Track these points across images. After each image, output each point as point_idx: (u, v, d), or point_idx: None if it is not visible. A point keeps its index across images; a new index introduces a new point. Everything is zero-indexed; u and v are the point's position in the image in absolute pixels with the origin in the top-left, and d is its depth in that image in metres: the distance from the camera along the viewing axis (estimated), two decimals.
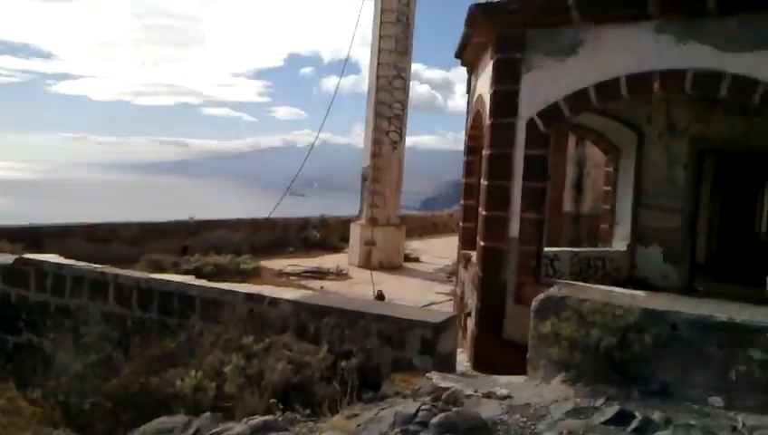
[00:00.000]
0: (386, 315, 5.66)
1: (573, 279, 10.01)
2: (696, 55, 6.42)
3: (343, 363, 5.08)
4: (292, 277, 12.34)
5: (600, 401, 4.58)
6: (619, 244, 10.81)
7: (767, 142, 9.78)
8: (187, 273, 9.46)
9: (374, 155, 14.02)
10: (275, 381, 4.93)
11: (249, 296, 6.18)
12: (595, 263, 10.46)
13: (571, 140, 13.86)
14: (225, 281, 7.98)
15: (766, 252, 11.95)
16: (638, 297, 5.57)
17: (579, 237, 13.93)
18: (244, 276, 10.80)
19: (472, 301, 7.98)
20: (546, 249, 10.40)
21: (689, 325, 4.91)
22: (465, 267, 9.14)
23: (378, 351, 5.62)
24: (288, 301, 5.94)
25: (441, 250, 16.59)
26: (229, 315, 6.08)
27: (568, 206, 14.38)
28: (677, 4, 6.39)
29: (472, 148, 9.73)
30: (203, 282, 6.91)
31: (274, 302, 5.98)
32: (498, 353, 6.87)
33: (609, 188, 11.11)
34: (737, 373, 4.61)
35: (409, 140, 15.20)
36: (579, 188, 14.24)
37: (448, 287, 11.92)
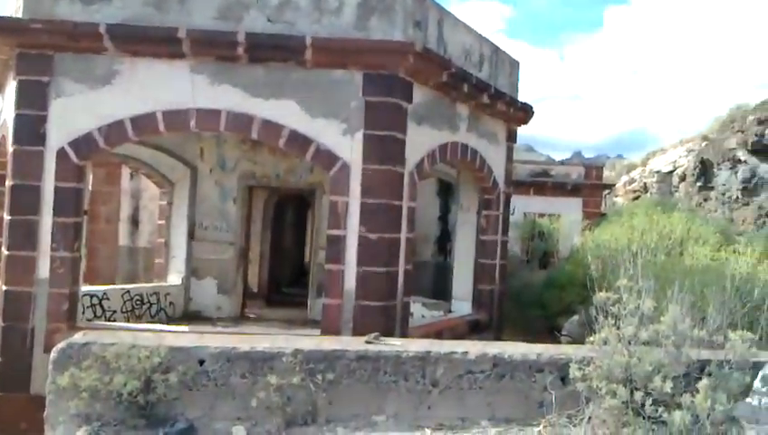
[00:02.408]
0: None
1: (126, 318, 9.60)
2: (229, 98, 6.79)
3: None
4: None
5: None
6: (175, 277, 10.79)
7: (307, 180, 11.03)
8: None
9: None
10: None
11: None
12: (149, 299, 10.20)
13: (126, 172, 13.40)
14: None
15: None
16: (167, 336, 5.49)
17: (136, 272, 13.47)
18: None
19: None
20: (95, 288, 9.75)
21: (215, 359, 5.02)
22: None
23: None
24: None
25: None
26: None
27: (124, 240, 13.80)
28: (210, 47, 6.66)
29: None
30: None
31: None
32: (25, 413, 6.07)
33: (163, 221, 11.02)
34: (258, 400, 4.87)
35: None
36: (135, 221, 13.81)
37: None
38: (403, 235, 7.35)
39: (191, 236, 10.70)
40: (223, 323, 10.16)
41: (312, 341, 5.49)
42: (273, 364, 5.00)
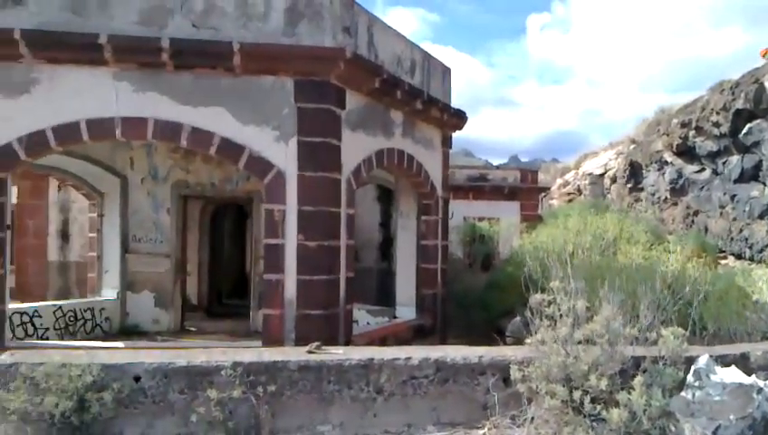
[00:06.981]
0: None
1: (59, 335, 9.25)
2: (155, 105, 6.59)
3: None
4: None
5: None
6: (110, 292, 10.39)
7: (244, 188, 10.79)
8: None
9: None
10: None
11: None
12: (83, 315, 9.82)
13: (54, 184, 12.85)
14: None
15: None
16: (99, 353, 5.27)
17: (68, 288, 12.93)
18: None
19: None
20: (25, 305, 9.33)
21: (151, 375, 4.88)
22: None
23: None
24: None
25: None
26: None
27: (53, 255, 13.23)
28: (133, 54, 6.45)
29: None
30: None
31: None
32: None
33: (94, 234, 10.60)
34: (198, 416, 4.73)
35: None
36: (65, 234, 13.25)
37: None
38: (343, 242, 7.29)
39: (125, 248, 10.33)
40: (162, 337, 9.83)
41: (252, 353, 5.38)
42: (213, 378, 4.89)
